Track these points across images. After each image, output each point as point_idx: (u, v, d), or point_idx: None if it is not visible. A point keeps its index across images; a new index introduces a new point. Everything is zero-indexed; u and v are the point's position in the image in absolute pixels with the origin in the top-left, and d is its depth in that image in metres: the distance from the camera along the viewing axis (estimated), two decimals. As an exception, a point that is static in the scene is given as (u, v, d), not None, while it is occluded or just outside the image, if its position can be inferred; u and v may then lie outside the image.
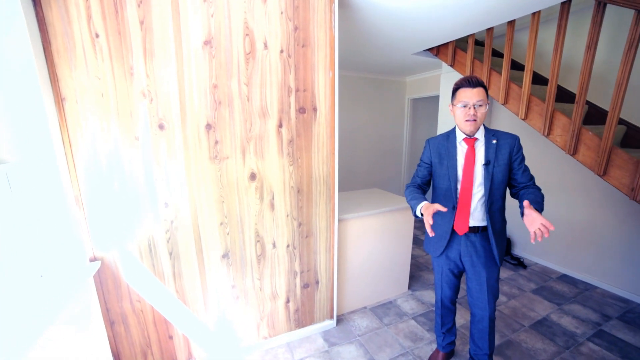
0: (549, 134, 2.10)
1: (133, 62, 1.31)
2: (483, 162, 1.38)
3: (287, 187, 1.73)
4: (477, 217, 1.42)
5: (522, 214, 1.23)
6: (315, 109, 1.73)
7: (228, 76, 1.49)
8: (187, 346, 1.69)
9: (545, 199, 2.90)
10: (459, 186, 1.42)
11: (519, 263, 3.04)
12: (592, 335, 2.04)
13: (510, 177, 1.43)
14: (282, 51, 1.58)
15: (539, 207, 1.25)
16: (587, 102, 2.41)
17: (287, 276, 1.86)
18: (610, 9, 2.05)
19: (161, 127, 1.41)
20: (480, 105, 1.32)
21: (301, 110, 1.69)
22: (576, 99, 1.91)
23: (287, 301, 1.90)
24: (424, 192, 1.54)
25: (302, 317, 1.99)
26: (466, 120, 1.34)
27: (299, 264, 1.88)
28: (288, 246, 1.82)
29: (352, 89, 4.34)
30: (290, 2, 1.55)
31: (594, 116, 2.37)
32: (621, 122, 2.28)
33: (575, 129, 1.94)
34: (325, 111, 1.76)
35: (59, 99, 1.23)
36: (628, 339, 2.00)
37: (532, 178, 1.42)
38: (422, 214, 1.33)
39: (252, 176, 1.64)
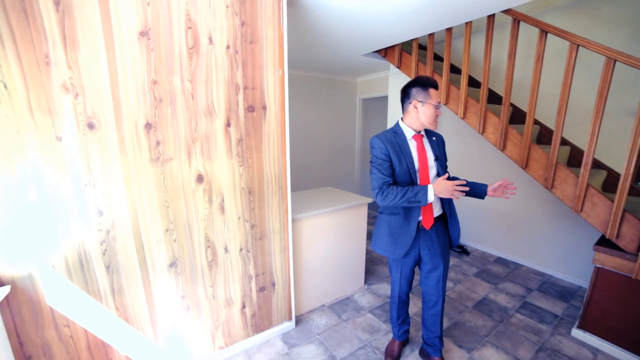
0: (483, 131, 2.32)
1: (48, 50, 1.14)
2: (434, 157, 1.50)
3: (237, 189, 1.67)
4: (434, 208, 1.51)
5: (484, 194, 1.53)
6: (264, 108, 1.69)
7: (169, 71, 1.39)
8: (131, 367, 1.54)
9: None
10: (418, 182, 1.47)
11: (463, 251, 3.33)
12: (519, 307, 2.34)
13: None
14: (228, 47, 1.52)
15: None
16: (512, 105, 2.72)
17: (241, 281, 1.79)
18: (525, 25, 2.34)
19: (91, 126, 1.25)
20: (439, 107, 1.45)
21: (250, 108, 1.64)
22: (503, 101, 2.15)
23: (243, 307, 1.84)
24: None
25: (259, 322, 1.94)
26: (435, 120, 1.44)
27: (254, 267, 1.83)
28: (241, 250, 1.75)
29: (304, 88, 4.36)
30: (236, -4, 1.49)
31: (517, 117, 2.69)
32: (536, 122, 2.62)
33: (503, 127, 2.18)
34: (275, 110, 1.73)
35: None
36: (544, 306, 2.35)
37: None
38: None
39: (200, 178, 1.54)
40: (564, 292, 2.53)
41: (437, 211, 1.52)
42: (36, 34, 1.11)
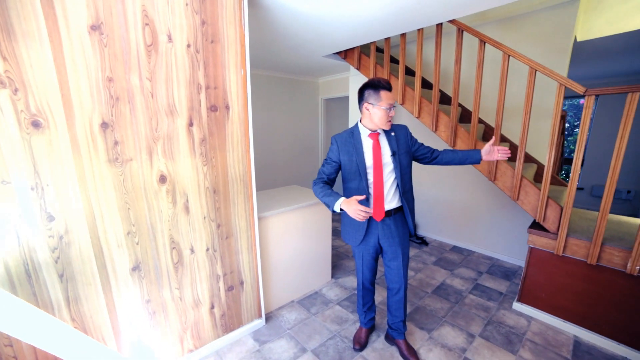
0: (436, 129, 2.52)
1: (-26, 38, 1.03)
2: (390, 153, 1.55)
3: (202, 188, 1.65)
4: (389, 201, 1.58)
5: (479, 160, 1.63)
6: (227, 107, 1.69)
7: (126, 69, 1.34)
8: (90, 380, 1.45)
9: (437, 186, 3.50)
10: (370, 178, 1.54)
11: (422, 242, 3.57)
12: (472, 289, 2.58)
13: (418, 155, 1.68)
14: (189, 45, 1.50)
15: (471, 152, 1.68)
16: (460, 105, 2.99)
17: (209, 281, 1.77)
18: (468, 34, 2.59)
19: (36, 124, 1.17)
20: (394, 107, 1.51)
21: (212, 108, 1.63)
22: (452, 102, 2.36)
23: (212, 307, 1.82)
24: (332, 187, 1.59)
25: (229, 322, 1.93)
26: (388, 121, 1.50)
27: (221, 267, 1.82)
28: (208, 250, 1.74)
29: (267, 88, 4.37)
30: (196, -6, 1.48)
31: (465, 116, 2.97)
32: (481, 121, 2.91)
33: (453, 126, 2.39)
34: (238, 109, 1.74)
35: None
36: (492, 286, 2.63)
37: (430, 147, 1.72)
38: (341, 209, 1.43)
39: (162, 179, 1.51)
40: (507, 272, 2.85)
41: (394, 204, 1.59)
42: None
